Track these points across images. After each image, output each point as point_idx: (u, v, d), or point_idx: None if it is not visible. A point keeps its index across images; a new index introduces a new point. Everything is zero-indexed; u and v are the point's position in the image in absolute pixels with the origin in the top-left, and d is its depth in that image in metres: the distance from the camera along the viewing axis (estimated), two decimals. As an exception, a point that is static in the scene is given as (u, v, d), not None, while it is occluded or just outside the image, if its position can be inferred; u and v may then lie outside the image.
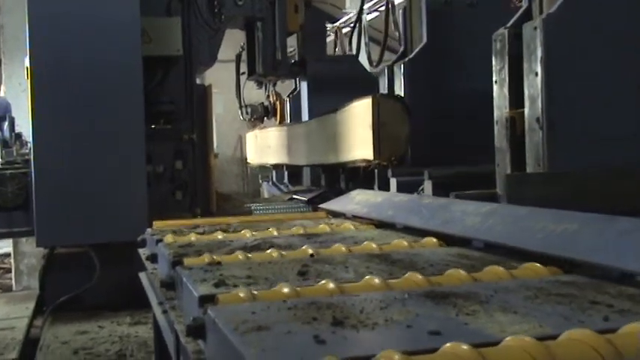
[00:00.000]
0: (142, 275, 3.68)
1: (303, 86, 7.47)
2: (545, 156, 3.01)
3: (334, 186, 5.64)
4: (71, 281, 5.73)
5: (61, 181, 5.57)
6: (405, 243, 2.90)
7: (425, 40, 4.90)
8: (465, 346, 1.25)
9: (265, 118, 8.47)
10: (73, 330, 5.15)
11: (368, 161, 4.30)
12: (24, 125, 7.46)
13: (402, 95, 4.60)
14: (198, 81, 7.00)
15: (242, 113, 8.49)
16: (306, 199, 5.99)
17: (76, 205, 5.57)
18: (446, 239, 2.90)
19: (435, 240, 2.93)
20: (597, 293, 1.76)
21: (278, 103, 8.10)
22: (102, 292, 5.67)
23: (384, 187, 4.38)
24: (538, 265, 2.16)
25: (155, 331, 3.87)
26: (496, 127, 3.34)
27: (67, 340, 4.91)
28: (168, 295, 2.57)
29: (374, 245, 2.85)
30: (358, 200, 4.32)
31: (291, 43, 7.48)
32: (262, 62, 6.96)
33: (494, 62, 3.41)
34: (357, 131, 4.40)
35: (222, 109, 14.28)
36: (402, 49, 5.24)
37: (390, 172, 4.37)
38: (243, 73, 7.79)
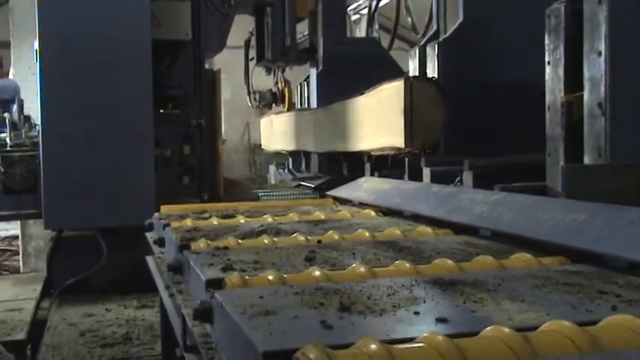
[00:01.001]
0: (149, 259, 3.70)
1: (312, 73, 7.45)
2: (608, 146, 2.68)
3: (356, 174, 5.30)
4: (78, 264, 5.75)
5: (70, 164, 5.57)
6: (413, 231, 2.90)
7: (461, 17, 4.33)
8: (440, 337, 1.25)
9: (273, 104, 8.43)
10: (80, 312, 5.18)
11: (398, 149, 3.90)
12: (33, 108, 7.46)
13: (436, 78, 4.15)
14: (206, 66, 6.99)
15: (250, 99, 8.46)
16: (313, 185, 5.99)
17: (84, 188, 5.58)
18: (453, 227, 2.90)
19: (441, 228, 2.93)
20: (605, 283, 1.76)
21: (286, 89, 8.06)
22: (109, 276, 5.69)
23: (416, 177, 3.99)
24: (546, 254, 2.16)
25: (161, 314, 3.89)
26: (548, 113, 3.00)
27: (74, 322, 4.94)
28: (175, 279, 2.58)
29: (382, 232, 2.85)
30: (365, 187, 4.32)
31: (302, 29, 7.46)
32: (271, 48, 6.94)
33: (547, 41, 3.04)
34: (387, 116, 3.98)
35: (230, 95, 14.26)
36: (434, 28, 4.67)
37: (423, 162, 3.93)
38: (252, 58, 7.77)
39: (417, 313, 1.52)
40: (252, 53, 7.68)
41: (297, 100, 7.83)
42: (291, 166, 7.96)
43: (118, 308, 5.28)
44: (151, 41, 5.72)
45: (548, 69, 3.04)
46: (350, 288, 1.73)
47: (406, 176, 4.17)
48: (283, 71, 7.72)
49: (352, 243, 2.61)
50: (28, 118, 7.96)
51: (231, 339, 1.53)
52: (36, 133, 6.62)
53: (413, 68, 4.44)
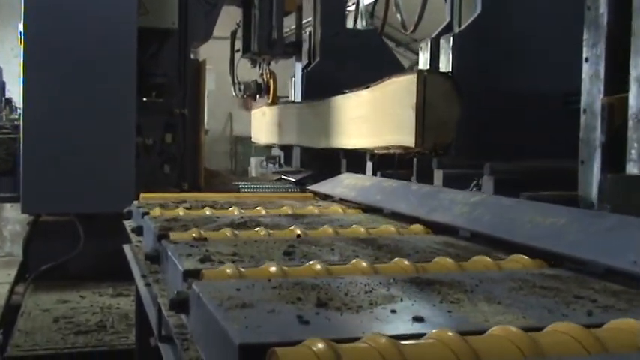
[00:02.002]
0: (127, 247, 3.68)
1: (298, 67, 7.44)
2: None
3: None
4: (55, 250, 5.71)
5: (50, 148, 5.53)
6: (392, 228, 2.91)
7: (479, 9, 3.95)
8: (451, 333, 1.25)
9: (258, 95, 8.41)
10: (54, 298, 5.14)
11: (406, 149, 3.57)
12: (15, 91, 7.41)
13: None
14: (192, 56, 6.96)
15: (234, 89, 8.44)
16: (294, 179, 5.98)
17: (64, 173, 5.54)
18: (433, 227, 2.91)
19: (421, 227, 2.94)
20: (581, 288, 1.77)
21: (272, 81, 8.04)
22: (85, 262, 5.65)
23: (425, 179, 3.67)
24: (523, 256, 2.17)
25: (137, 303, 3.87)
26: (584, 116, 2.68)
27: (48, 307, 4.90)
28: (152, 269, 2.56)
29: (361, 229, 2.85)
30: (347, 184, 4.32)
31: (288, 23, 7.45)
32: (257, 41, 6.92)
33: (585, 35, 2.71)
34: (394, 112, 3.66)
35: (214, 86, 14.21)
36: (447, 20, 4.24)
37: (435, 163, 3.58)
38: (238, 50, 7.75)
39: (393, 311, 1.52)
40: (238, 45, 7.66)
41: (291, 92, 7.58)
42: (282, 161, 7.62)
43: (93, 295, 5.25)
44: (137, 29, 5.69)
45: (585, 67, 2.72)
46: (327, 284, 1.72)
47: (414, 178, 3.87)
48: (269, 64, 7.70)
49: (331, 239, 2.61)
50: (9, 101, 7.91)
51: (207, 330, 1.52)
52: (17, 117, 6.57)
53: (423, 62, 4.09)
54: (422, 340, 1.27)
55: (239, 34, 7.50)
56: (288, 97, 8.19)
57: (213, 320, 1.45)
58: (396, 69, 5.85)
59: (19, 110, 6.23)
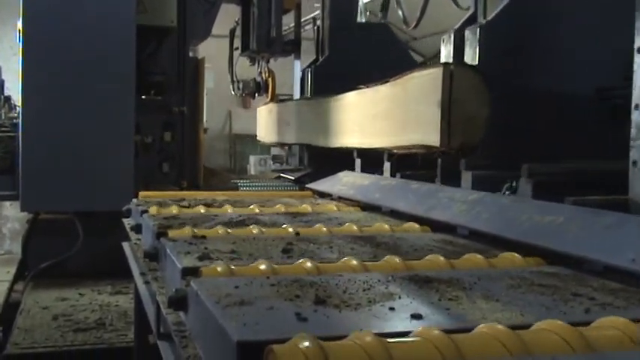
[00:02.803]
0: (126, 245, 3.68)
1: (296, 65, 7.44)
2: None
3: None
4: (54, 247, 5.70)
5: (49, 146, 5.53)
6: (390, 227, 2.91)
7: None
8: (436, 331, 1.26)
9: (257, 94, 8.41)
10: (53, 296, 5.14)
11: (430, 148, 3.31)
12: (13, 89, 7.41)
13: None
14: (191, 54, 6.96)
15: (233, 88, 8.44)
16: (293, 177, 5.99)
17: (63, 171, 5.54)
18: (431, 225, 2.91)
19: (419, 225, 2.94)
20: (579, 286, 1.77)
21: (270, 79, 8.04)
22: (84, 260, 5.65)
23: (451, 181, 3.39)
24: (521, 255, 2.17)
25: (136, 301, 3.88)
26: (635, 113, 2.47)
27: (48, 305, 4.90)
28: (151, 266, 2.56)
29: (359, 227, 2.85)
30: (345, 182, 4.32)
31: (287, 21, 7.45)
32: (256, 39, 6.92)
33: (637, 23, 2.45)
34: (417, 109, 3.39)
35: (213, 84, 14.22)
36: (471, 10, 3.92)
37: (463, 164, 3.29)
38: (237, 48, 7.75)
39: (392, 308, 1.52)
40: (237, 43, 7.66)
41: (298, 89, 7.28)
42: (288, 161, 7.35)
43: (92, 293, 5.25)
44: (136, 27, 5.69)
45: (637, 58, 2.48)
46: (326, 281, 1.73)
47: (438, 180, 3.60)
48: (267, 62, 7.69)
49: (330, 236, 2.61)
50: (8, 99, 7.90)
51: (206, 328, 1.52)
52: (16, 115, 6.57)
53: (446, 55, 3.80)
54: (407, 339, 1.27)
55: (238, 32, 7.49)
56: (287, 95, 8.14)
57: (211, 318, 1.45)
58: (409, 64, 5.57)
59: (17, 108, 6.22)
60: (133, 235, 3.35)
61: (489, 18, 3.66)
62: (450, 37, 3.76)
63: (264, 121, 7.54)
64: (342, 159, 4.81)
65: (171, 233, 2.58)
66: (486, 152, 3.25)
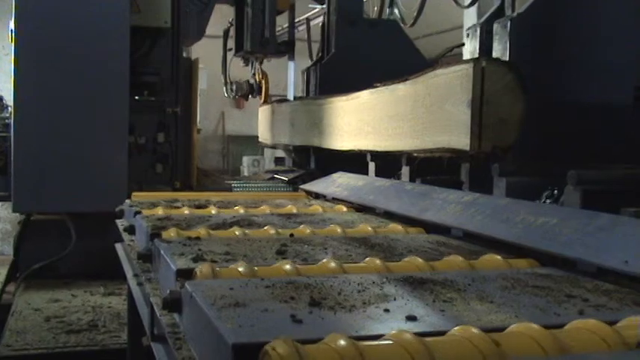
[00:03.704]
0: (119, 246, 3.67)
1: (291, 66, 7.44)
2: None
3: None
4: (46, 249, 5.69)
5: (41, 147, 5.52)
6: (384, 228, 2.91)
7: None
8: (408, 335, 1.25)
9: (250, 96, 8.40)
10: (45, 297, 5.12)
11: (457, 152, 3.02)
12: (5, 89, 7.38)
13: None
14: (184, 55, 6.95)
15: (226, 90, 8.42)
16: (286, 179, 5.98)
17: (55, 172, 5.53)
18: (426, 226, 2.91)
19: (413, 227, 2.94)
20: (573, 287, 1.77)
21: (264, 81, 8.04)
22: (77, 262, 5.64)
23: (481, 188, 3.07)
24: (516, 256, 2.17)
25: (129, 302, 3.86)
26: None
27: (40, 307, 4.89)
28: (145, 268, 2.56)
29: (354, 228, 2.85)
30: (339, 183, 4.32)
31: (281, 22, 7.45)
32: (250, 39, 6.92)
33: None
34: (442, 109, 3.11)
35: (207, 84, 14.21)
36: (496, 4, 3.62)
37: (496, 170, 2.98)
38: (230, 49, 7.74)
39: (387, 310, 1.52)
40: (231, 44, 7.66)
41: (302, 88, 6.87)
42: (291, 165, 6.90)
43: (85, 295, 5.24)
44: (130, 27, 5.68)
45: None
46: (321, 283, 1.73)
47: (466, 186, 3.29)
48: (261, 63, 7.69)
49: (324, 238, 2.61)
50: (0, 99, 7.87)
51: (200, 330, 1.52)
52: (8, 115, 6.54)
53: (471, 51, 3.51)
54: (380, 342, 1.27)
55: (231, 32, 7.49)
56: (281, 96, 8.10)
57: (206, 319, 1.45)
58: (419, 62, 5.48)
59: (10, 108, 6.20)
60: (126, 236, 3.34)
61: (521, 10, 3.35)
62: (475, 31, 3.46)
63: (267, 121, 7.12)
64: (351, 162, 4.59)
65: (165, 234, 2.58)
66: (520, 157, 2.98)
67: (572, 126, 3.16)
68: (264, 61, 7.60)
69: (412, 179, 3.69)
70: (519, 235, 2.30)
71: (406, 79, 3.58)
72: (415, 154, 3.59)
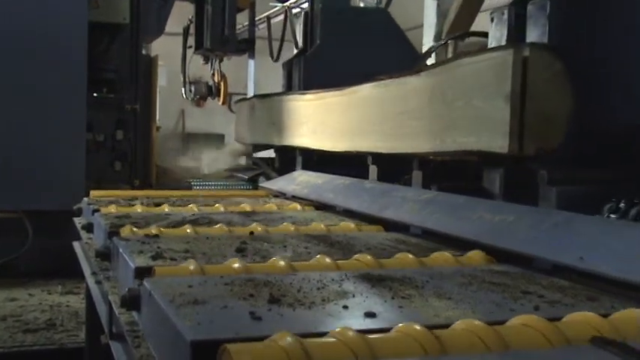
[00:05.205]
0: (76, 245, 3.64)
1: (250, 64, 7.44)
2: None
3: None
4: (2, 247, 5.61)
5: (-3, 144, 5.44)
6: (344, 226, 2.92)
7: None
8: (351, 332, 1.26)
9: (209, 97, 8.36)
10: (2, 297, 5.05)
11: (488, 155, 2.57)
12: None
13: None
14: (144, 51, 6.90)
15: (185, 91, 8.37)
16: (246, 177, 5.97)
17: (12, 169, 5.45)
18: (385, 224, 2.93)
19: (353, 224, 2.95)
20: (529, 283, 1.80)
21: (222, 83, 8.01)
22: (34, 260, 5.57)
23: (520, 197, 2.52)
24: (473, 253, 2.20)
25: (87, 301, 3.83)
26: None
27: (-4, 306, 4.83)
28: (103, 266, 2.54)
29: (313, 226, 2.86)
30: (299, 181, 4.32)
31: (241, 20, 7.43)
32: (210, 37, 6.90)
33: None
34: (469, 104, 2.63)
35: (166, 81, 14.11)
36: None
37: (544, 177, 2.44)
38: (190, 46, 7.71)
39: (345, 307, 1.53)
40: (191, 41, 7.63)
41: (284, 82, 6.11)
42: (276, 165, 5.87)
43: (42, 294, 5.18)
44: (88, 23, 5.62)
45: None
46: (280, 280, 1.73)
47: (499, 196, 2.64)
48: (221, 61, 7.68)
49: (284, 236, 2.61)
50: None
51: (159, 327, 1.52)
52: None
53: (497, 38, 2.89)
54: (324, 339, 1.27)
55: (192, 30, 7.46)
56: (242, 94, 8.05)
57: (164, 317, 1.44)
58: (411, 54, 5.26)
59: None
60: (84, 235, 3.31)
61: None
62: (502, 14, 2.89)
63: (244, 120, 6.19)
64: (346, 165, 4.07)
65: (124, 232, 2.56)
66: (569, 161, 2.46)
67: (630, 123, 2.58)
68: (225, 59, 7.59)
69: (426, 185, 3.21)
70: (476, 232, 2.33)
71: (418, 71, 3.13)
72: (431, 157, 3.14)
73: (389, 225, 2.90)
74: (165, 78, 13.66)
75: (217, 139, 18.30)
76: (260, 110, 5.71)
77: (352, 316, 1.48)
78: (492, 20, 2.96)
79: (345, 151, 3.91)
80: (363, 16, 5.93)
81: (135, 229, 2.64)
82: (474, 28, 6.04)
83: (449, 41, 5.19)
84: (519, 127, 2.38)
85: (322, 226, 2.87)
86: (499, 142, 2.44)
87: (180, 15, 7.96)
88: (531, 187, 2.49)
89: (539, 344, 1.29)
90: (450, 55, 5.24)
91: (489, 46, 2.86)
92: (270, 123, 5.37)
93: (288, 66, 6.01)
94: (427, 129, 2.97)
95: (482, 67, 2.57)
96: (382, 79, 3.45)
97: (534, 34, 2.69)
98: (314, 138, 4.39)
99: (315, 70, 5.55)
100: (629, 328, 1.38)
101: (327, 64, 5.42)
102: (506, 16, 2.85)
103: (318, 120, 4.33)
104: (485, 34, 3.36)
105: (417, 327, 1.29)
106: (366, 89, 3.63)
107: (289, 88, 5.90)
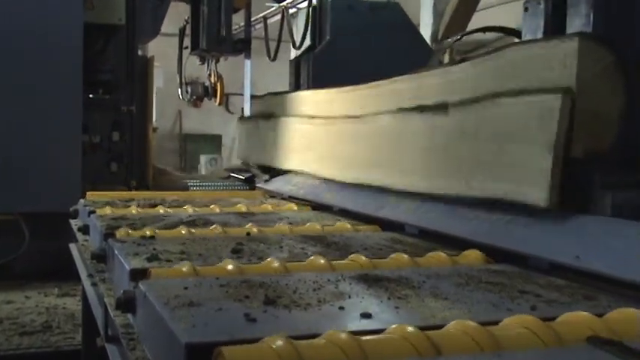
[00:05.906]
0: (73, 247, 3.63)
1: (247, 64, 7.42)
2: None
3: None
4: (-1, 249, 5.60)
5: (-7, 146, 5.43)
6: (340, 226, 2.92)
7: None
8: (343, 335, 1.25)
9: (205, 98, 8.35)
10: (-2, 299, 5.05)
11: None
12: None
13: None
14: (140, 52, 6.89)
15: (181, 92, 8.35)
16: (243, 177, 5.96)
17: (8, 171, 5.44)
18: (381, 224, 2.92)
19: (348, 224, 2.94)
20: (526, 283, 1.80)
21: (219, 84, 8.00)
22: (30, 262, 5.55)
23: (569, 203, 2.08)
24: (469, 252, 2.19)
25: (83, 303, 3.82)
26: None
27: (-8, 309, 4.81)
28: (99, 268, 2.53)
29: (310, 226, 2.86)
30: (296, 182, 4.32)
31: (237, 20, 7.43)
32: (206, 37, 6.88)
33: None
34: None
35: (163, 83, 14.11)
36: None
37: (598, 181, 2.06)
38: (186, 47, 7.70)
39: (342, 308, 1.52)
40: (187, 42, 7.61)
41: (292, 80, 5.83)
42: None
43: (39, 296, 5.17)
44: (84, 24, 5.61)
45: None
46: (276, 282, 1.72)
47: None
48: (217, 62, 7.66)
49: (280, 236, 2.60)
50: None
51: (154, 330, 1.51)
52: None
53: (533, 29, 2.55)
54: (317, 341, 1.26)
55: (188, 30, 7.45)
56: (238, 95, 8.04)
57: (159, 319, 1.43)
58: (425, 50, 5.12)
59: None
60: (80, 237, 3.30)
61: None
62: (538, 4, 2.53)
63: (249, 139, 5.52)
64: None
65: (120, 234, 2.55)
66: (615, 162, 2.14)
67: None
68: (221, 59, 7.57)
69: None
70: (473, 231, 2.32)
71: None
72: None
73: (385, 224, 2.90)
74: (162, 79, 13.66)
75: (215, 140, 18.34)
76: (264, 130, 5.07)
77: (348, 317, 1.47)
78: (526, 10, 2.60)
79: (356, 183, 3.43)
80: (375, 10, 5.65)
81: (131, 230, 2.63)
82: (470, 27, 6.04)
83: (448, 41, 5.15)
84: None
85: (319, 226, 2.87)
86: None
87: (176, 15, 7.95)
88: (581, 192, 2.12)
89: (534, 345, 1.29)
90: (448, 55, 5.21)
91: (523, 38, 2.54)
92: (275, 145, 4.74)
93: (296, 63, 5.70)
94: (453, 169, 2.56)
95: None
96: (403, 109, 2.98)
97: (576, 24, 2.35)
98: (321, 165, 3.91)
99: (324, 67, 5.32)
100: (626, 328, 1.37)
101: (337, 60, 5.23)
102: (542, 6, 2.51)
103: (328, 146, 3.83)
104: (513, 31, 3.21)
105: (410, 328, 1.28)
106: (384, 119, 3.16)
107: (297, 87, 5.58)
